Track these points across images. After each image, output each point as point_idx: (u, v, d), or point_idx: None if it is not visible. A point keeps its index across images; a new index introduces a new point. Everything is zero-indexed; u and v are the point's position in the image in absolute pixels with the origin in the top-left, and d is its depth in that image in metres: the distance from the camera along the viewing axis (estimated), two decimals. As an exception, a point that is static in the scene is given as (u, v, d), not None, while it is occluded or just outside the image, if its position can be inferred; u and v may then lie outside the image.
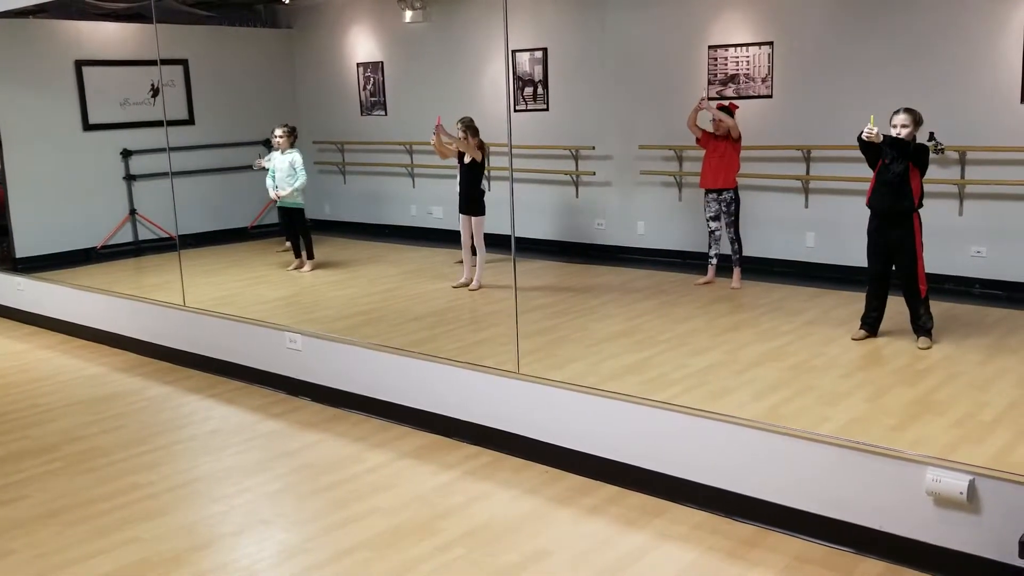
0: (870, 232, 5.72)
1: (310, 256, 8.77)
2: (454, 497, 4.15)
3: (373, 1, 10.74)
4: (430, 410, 4.96)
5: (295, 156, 8.59)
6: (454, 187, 10.71)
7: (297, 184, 8.53)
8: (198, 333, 6.38)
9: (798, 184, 7.86)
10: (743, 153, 7.86)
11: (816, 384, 4.93)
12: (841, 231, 7.56)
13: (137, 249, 10.26)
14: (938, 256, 7.21)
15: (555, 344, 5.97)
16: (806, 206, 7.86)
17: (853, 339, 5.73)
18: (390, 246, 10.12)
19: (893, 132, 5.42)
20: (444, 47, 10.14)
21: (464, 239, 7.82)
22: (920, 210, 5.57)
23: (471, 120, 7.80)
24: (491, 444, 4.65)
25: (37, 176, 9.60)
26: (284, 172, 8.55)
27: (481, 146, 7.79)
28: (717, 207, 7.41)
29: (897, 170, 5.49)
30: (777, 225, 8.00)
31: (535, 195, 9.52)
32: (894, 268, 5.67)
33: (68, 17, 9.73)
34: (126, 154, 10.19)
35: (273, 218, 11.48)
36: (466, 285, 7.68)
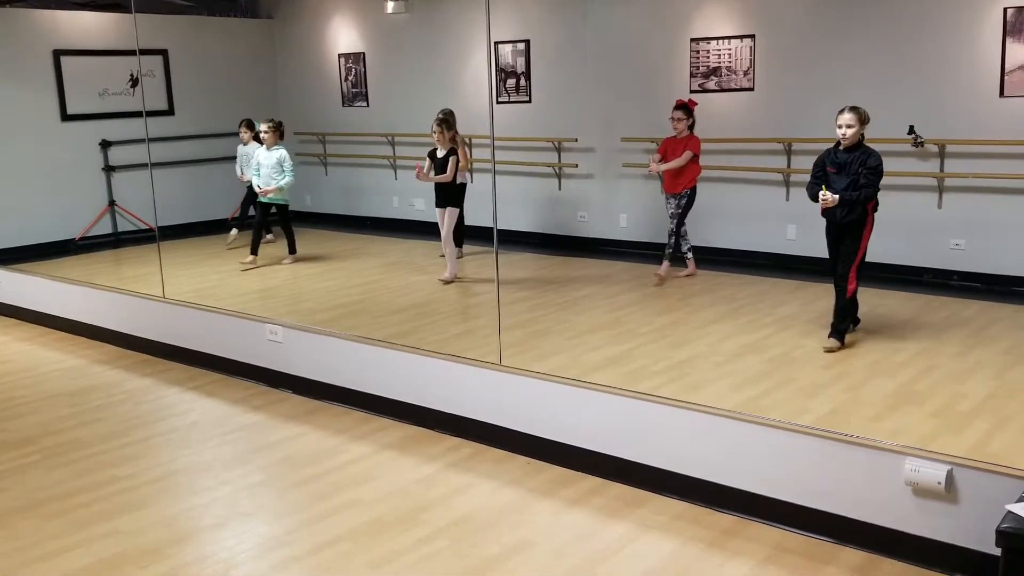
0: (827, 233, 5.65)
1: (292, 251, 8.69)
2: (436, 489, 4.15)
3: (355, -8, 10.68)
4: (412, 402, 4.95)
5: (283, 153, 8.40)
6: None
7: (283, 182, 8.33)
8: (178, 325, 6.34)
9: (779, 177, 7.89)
10: (724, 146, 7.91)
11: (796, 376, 4.95)
12: (821, 224, 7.56)
13: (116, 241, 10.18)
14: (917, 248, 7.28)
15: (537, 336, 5.97)
16: (787, 199, 7.90)
17: (825, 349, 5.42)
18: (372, 238, 10.09)
19: (839, 132, 5.27)
20: (426, 38, 10.10)
21: (444, 233, 7.72)
22: (876, 205, 5.45)
23: (447, 114, 7.73)
24: (473, 436, 4.65)
25: (14, 167, 9.51)
26: (271, 168, 8.35)
27: (455, 139, 7.69)
28: (675, 203, 7.34)
29: (849, 183, 5.31)
30: (758, 218, 8.03)
31: (517, 187, 9.52)
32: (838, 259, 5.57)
33: (46, 6, 9.64)
34: (105, 145, 10.11)
35: (252, 210, 11.44)
36: (453, 280, 7.61)
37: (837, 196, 5.26)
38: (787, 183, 7.87)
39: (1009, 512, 2.85)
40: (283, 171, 8.36)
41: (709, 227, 8.24)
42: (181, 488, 4.28)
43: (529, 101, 9.44)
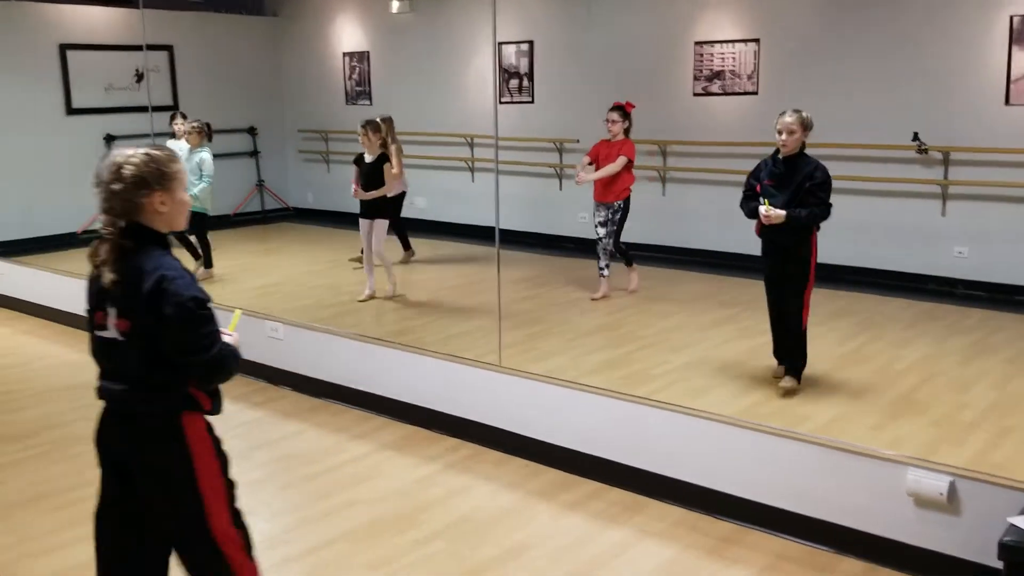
0: (764, 255, 4.92)
1: (207, 264, 7.93)
2: (434, 490, 4.14)
3: (360, -11, 10.68)
4: (411, 401, 4.94)
5: (203, 156, 7.73)
6: (438, 177, 10.67)
7: (195, 190, 7.54)
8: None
9: (783, 182, 7.87)
10: (728, 149, 7.89)
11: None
12: (824, 228, 7.56)
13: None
14: (920, 256, 7.26)
15: (537, 337, 5.97)
16: (790, 204, 7.88)
17: (775, 376, 4.97)
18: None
19: (778, 139, 4.63)
20: (430, 38, 10.10)
21: (367, 245, 7.00)
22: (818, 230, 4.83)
23: (373, 121, 7.08)
24: (472, 437, 4.64)
25: (18, 159, 9.51)
26: (188, 173, 7.81)
27: (385, 144, 7.07)
28: (605, 214, 6.90)
29: (789, 198, 4.64)
30: (761, 222, 8.02)
31: (519, 187, 9.51)
32: (785, 288, 4.85)
33: (52, 0, 9.62)
34: (109, 139, 10.09)
35: (256, 205, 11.45)
36: (372, 297, 6.96)
37: (783, 212, 4.56)
38: (790, 188, 7.85)
39: (1011, 525, 2.84)
40: (200, 175, 7.67)
41: (711, 230, 8.23)
42: (179, 485, 4.27)
43: (532, 102, 9.43)
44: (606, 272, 6.96)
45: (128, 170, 2.32)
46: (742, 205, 4.82)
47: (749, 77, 7.93)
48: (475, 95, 9.74)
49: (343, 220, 11.03)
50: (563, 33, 9.14)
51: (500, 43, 9.42)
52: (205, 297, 2.33)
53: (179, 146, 8.20)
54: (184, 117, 8.21)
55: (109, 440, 2.42)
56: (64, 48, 9.80)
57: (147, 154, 2.36)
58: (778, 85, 7.80)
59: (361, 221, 7.01)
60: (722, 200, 8.11)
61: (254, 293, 7.30)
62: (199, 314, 2.30)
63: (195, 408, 2.38)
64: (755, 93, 7.91)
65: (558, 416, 4.32)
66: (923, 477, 3.29)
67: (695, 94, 8.22)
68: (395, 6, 10.10)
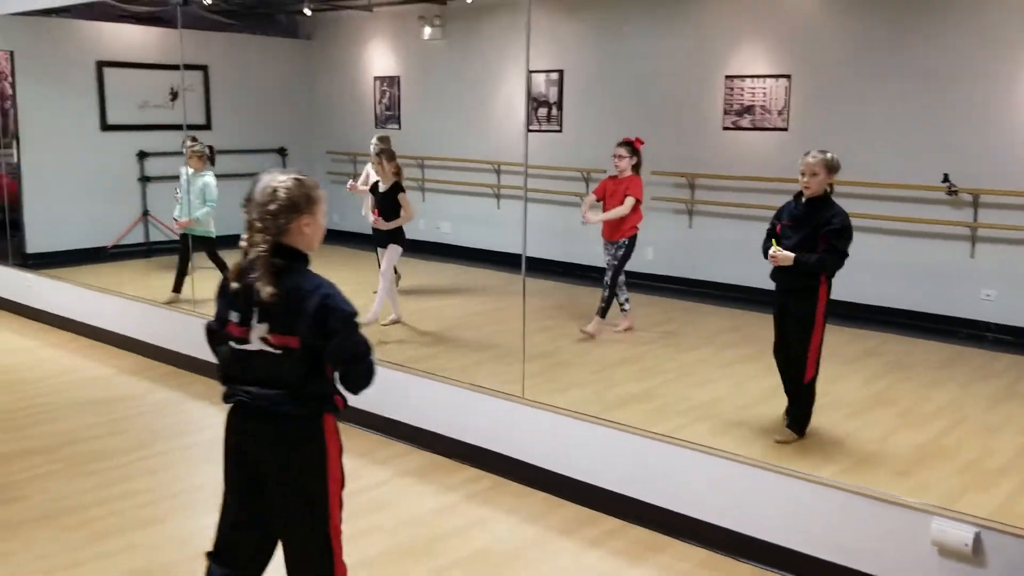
0: (775, 299, 4.79)
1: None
2: (454, 520, 4.13)
3: (393, 16, 10.80)
4: (433, 429, 4.94)
5: (207, 180, 7.67)
6: (463, 202, 10.73)
7: (199, 213, 7.59)
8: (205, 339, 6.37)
9: (810, 218, 7.84)
10: (756, 184, 7.88)
11: (821, 424, 4.90)
12: (851, 266, 7.51)
13: (148, 250, 10.28)
14: (948, 298, 7.20)
15: (560, 368, 5.96)
16: (817, 241, 7.85)
17: (777, 441, 4.67)
18: (400, 260, 10.11)
19: (801, 180, 4.50)
20: (461, 65, 10.18)
21: (384, 267, 6.95)
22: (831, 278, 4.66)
23: (386, 142, 7.16)
24: (493, 468, 4.63)
25: (52, 173, 9.65)
26: (194, 196, 7.62)
27: (399, 171, 6.98)
28: (612, 251, 6.73)
29: (800, 241, 4.52)
30: (787, 258, 7.99)
31: (545, 215, 9.52)
32: (790, 338, 4.70)
33: (91, 18, 9.80)
34: (142, 155, 10.24)
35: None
36: (396, 322, 6.96)
37: (791, 254, 4.46)
38: (818, 225, 7.82)
39: (1038, 580, 2.79)
40: (204, 200, 7.65)
41: (738, 265, 8.20)
42: (199, 505, 4.29)
43: (560, 131, 9.47)
44: (627, 306, 6.91)
45: (282, 194, 2.51)
46: (763, 246, 4.74)
47: (779, 113, 7.93)
48: (503, 122, 9.80)
49: (369, 242, 11.08)
50: (593, 63, 9.18)
51: (530, 71, 9.47)
52: (356, 310, 2.55)
53: (183, 170, 8.25)
54: (195, 140, 8.03)
55: (244, 442, 2.60)
56: (101, 65, 9.97)
57: (297, 179, 2.55)
58: (808, 121, 7.79)
59: (378, 249, 7.07)
60: (749, 235, 8.06)
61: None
62: (356, 324, 2.54)
63: (333, 409, 2.61)
64: (785, 129, 7.91)
65: (580, 450, 4.30)
66: (948, 527, 3.24)
67: (724, 128, 8.23)
68: (427, 32, 10.20)
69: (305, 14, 10.82)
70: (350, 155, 11.38)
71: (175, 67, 9.12)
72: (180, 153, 7.74)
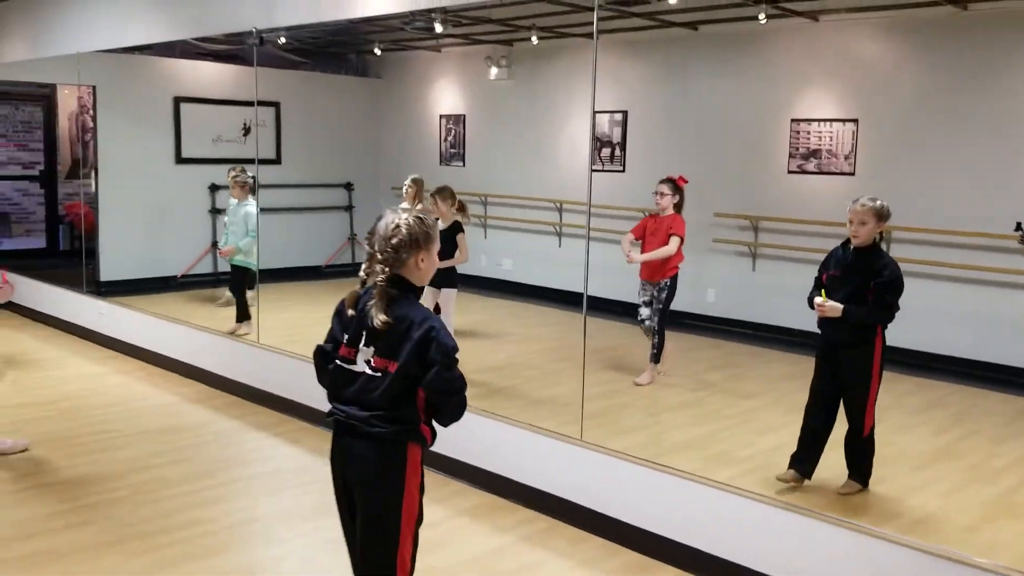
0: (818, 348, 4.62)
1: (240, 318, 7.71)
2: (508, 562, 4.12)
3: (460, 56, 10.98)
4: (489, 469, 4.95)
5: (248, 210, 7.66)
6: (525, 239, 10.78)
7: (241, 243, 7.64)
8: (268, 370, 6.50)
9: (877, 264, 7.72)
10: (821, 229, 7.77)
11: (886, 476, 4.79)
12: (916, 315, 7.35)
13: (216, 280, 10.52)
14: (1018, 349, 6.99)
15: (618, 410, 5.93)
16: (884, 287, 7.71)
17: (778, 479, 4.55)
18: (459, 295, 10.19)
19: (849, 228, 4.38)
20: (526, 104, 10.29)
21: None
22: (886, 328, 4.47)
23: (445, 187, 6.80)
24: (549, 510, 4.61)
25: (128, 203, 9.97)
26: (236, 226, 7.74)
27: (463, 209, 6.83)
28: (651, 292, 6.55)
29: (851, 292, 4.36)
30: (852, 304, 7.86)
31: (605, 254, 9.51)
32: (841, 395, 4.52)
33: (170, 55, 10.15)
34: (213, 188, 10.52)
35: (347, 258, 11.72)
36: None
37: (839, 305, 4.31)
38: (884, 271, 7.69)
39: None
40: (247, 231, 7.64)
41: (801, 309, 8.07)
42: (259, 536, 4.35)
43: (623, 171, 9.49)
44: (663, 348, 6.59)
45: (403, 230, 2.71)
46: (809, 298, 4.57)
47: (846, 157, 7.85)
48: (566, 161, 9.86)
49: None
50: (658, 104, 9.21)
51: (595, 112, 9.53)
52: (457, 347, 2.72)
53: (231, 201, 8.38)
54: (242, 170, 8.05)
55: (337, 458, 2.82)
56: (178, 100, 10.30)
57: (418, 218, 2.75)
58: (876, 167, 7.69)
59: (428, 288, 6.94)
60: (812, 280, 7.99)
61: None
62: (455, 360, 2.71)
63: (419, 440, 2.76)
64: (852, 174, 7.82)
65: (638, 496, 4.27)
66: (1020, 590, 3.14)
67: (790, 171, 8.17)
68: (493, 72, 10.36)
69: (375, 54, 11.07)
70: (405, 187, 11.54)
71: (249, 103, 9.38)
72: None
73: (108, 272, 9.78)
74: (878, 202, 4.34)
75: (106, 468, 5.15)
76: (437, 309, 6.60)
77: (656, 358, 6.57)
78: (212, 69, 10.58)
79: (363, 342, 2.73)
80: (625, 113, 9.42)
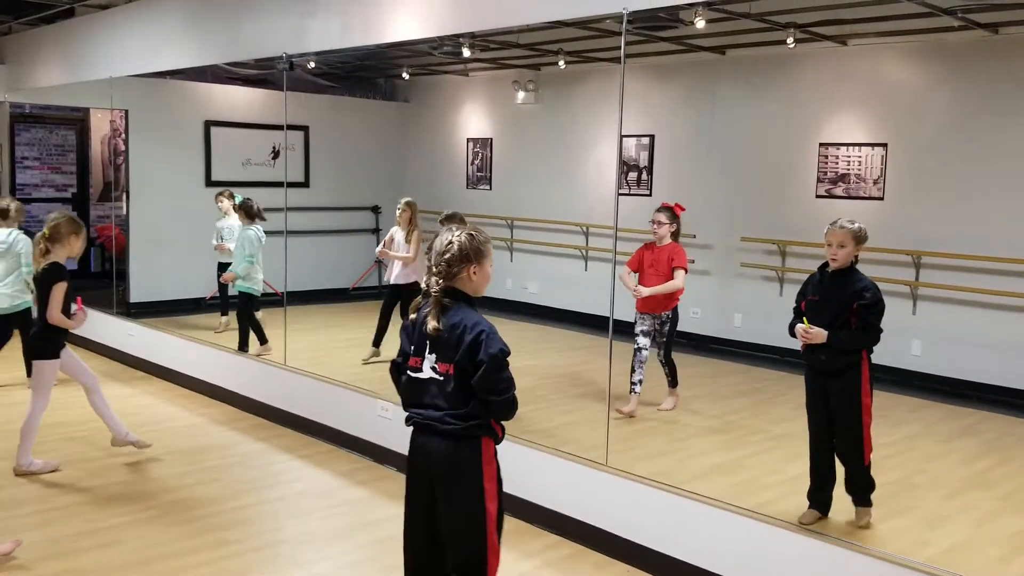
0: (806, 379, 4.49)
1: (240, 346, 7.65)
2: (533, 587, 4.09)
3: (487, 81, 11.05)
4: (513, 493, 4.91)
5: (248, 234, 7.74)
6: (551, 263, 10.76)
7: (239, 269, 7.66)
8: (295, 392, 6.53)
9: (906, 290, 7.65)
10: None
11: (916, 504, 4.74)
12: (950, 341, 7.32)
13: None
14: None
15: (643, 434, 5.90)
16: (914, 313, 7.64)
17: (801, 522, 4.32)
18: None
19: (827, 251, 4.31)
20: (552, 128, 10.34)
21: None
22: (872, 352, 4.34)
23: (455, 213, 6.90)
24: (574, 535, 4.58)
25: (158, 225, 10.08)
26: (238, 251, 7.81)
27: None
28: (651, 324, 6.38)
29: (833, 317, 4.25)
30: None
31: (632, 278, 9.51)
32: (833, 427, 4.39)
33: (201, 79, 10.30)
34: (243, 211, 10.62)
35: (374, 280, 11.79)
36: None
37: (825, 332, 4.19)
38: (914, 297, 7.62)
39: None
40: (244, 254, 7.68)
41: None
42: (284, 559, 4.36)
43: (650, 195, 9.48)
44: (638, 388, 6.32)
45: (455, 246, 2.98)
46: (790, 326, 4.41)
47: (875, 182, 7.80)
48: (593, 186, 9.87)
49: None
50: (685, 128, 9.22)
51: (621, 135, 9.55)
52: (509, 351, 2.94)
53: (229, 223, 8.53)
54: (232, 196, 8.24)
55: (421, 455, 3.02)
56: (209, 124, 10.45)
57: (470, 235, 3.02)
58: (905, 191, 7.65)
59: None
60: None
61: (366, 368, 7.46)
62: (504, 363, 2.93)
63: (491, 435, 3.01)
64: (880, 199, 7.77)
65: (663, 522, 4.24)
66: (1055, 624, 3.07)
67: (817, 196, 8.13)
68: (520, 96, 10.41)
69: (403, 78, 11.18)
70: (440, 214, 11.59)
71: (278, 127, 9.50)
72: (280, 209, 8.00)
73: (138, 294, 9.89)
74: (856, 224, 4.31)
75: (134, 489, 5.18)
76: None
77: (673, 382, 6.52)
78: (242, 93, 10.72)
79: (427, 350, 2.98)
80: (652, 137, 9.44)
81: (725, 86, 8.86)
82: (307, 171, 11.12)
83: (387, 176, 11.83)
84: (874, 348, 4.30)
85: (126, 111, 9.95)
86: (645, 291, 6.18)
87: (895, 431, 6.10)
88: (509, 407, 2.95)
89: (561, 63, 9.33)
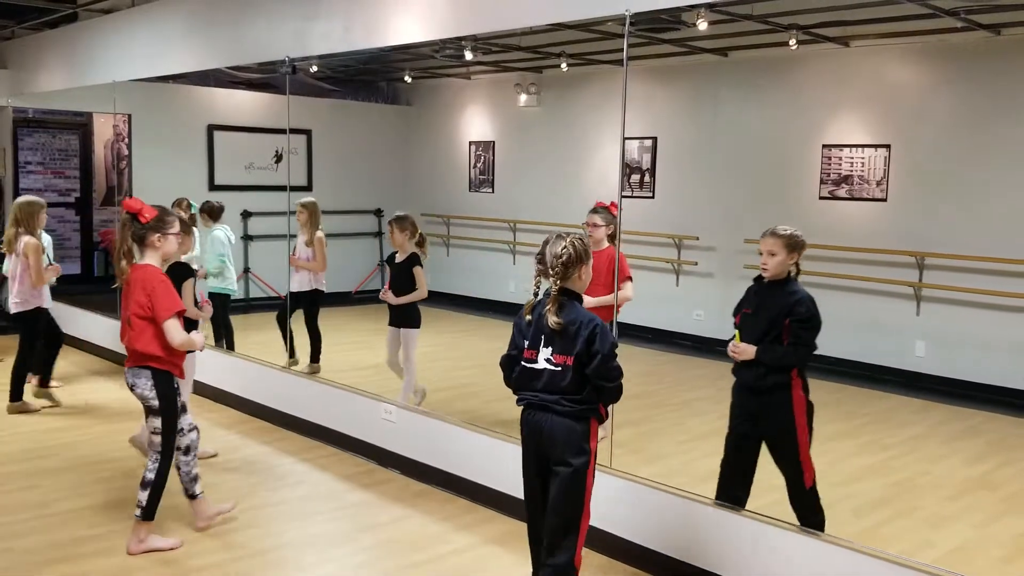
0: (732, 394, 4.14)
1: (231, 346, 7.68)
2: (537, 590, 4.08)
3: (490, 84, 11.07)
4: (518, 496, 4.91)
5: (218, 233, 7.65)
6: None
7: (210, 267, 7.54)
8: (298, 396, 6.53)
9: (909, 291, 7.64)
10: (853, 255, 7.73)
11: (920, 505, 4.73)
12: (954, 342, 7.31)
13: (247, 306, 10.60)
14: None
15: (648, 437, 5.89)
16: (917, 314, 7.63)
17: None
18: (487, 320, 10.21)
19: (760, 260, 4.06)
20: (555, 131, 10.34)
21: (390, 357, 6.36)
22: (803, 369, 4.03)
23: (403, 216, 6.37)
24: (577, 537, 4.57)
25: (161, 230, 10.08)
26: (207, 252, 7.64)
27: (422, 242, 6.36)
28: None
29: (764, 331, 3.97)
30: (885, 331, 7.78)
31: (636, 281, 9.49)
32: (769, 449, 4.05)
33: (204, 84, 10.32)
34: (246, 215, 10.64)
35: (377, 284, 11.78)
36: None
37: (752, 348, 3.91)
38: (918, 298, 7.61)
39: None
40: (215, 254, 7.62)
41: (831, 336, 7.99)
42: (288, 562, 4.35)
43: (652, 197, 9.49)
44: None
45: (569, 250, 3.42)
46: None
47: (878, 183, 7.79)
48: (596, 188, 9.85)
49: (460, 303, 11.25)
50: (688, 130, 9.22)
51: (624, 138, 9.55)
52: (617, 344, 3.40)
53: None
54: (189, 206, 7.62)
55: (536, 430, 3.43)
56: (212, 128, 10.46)
57: (579, 239, 3.48)
58: (908, 192, 7.64)
59: (389, 330, 6.33)
60: (845, 306, 7.93)
61: (369, 371, 7.45)
62: (615, 354, 3.37)
63: (598, 416, 3.44)
64: (884, 200, 7.76)
65: (666, 524, 4.23)
66: (1060, 625, 3.06)
67: (821, 197, 8.13)
68: (522, 99, 10.42)
69: (406, 82, 11.18)
70: (443, 217, 11.62)
71: (281, 131, 9.49)
72: (283, 213, 7.99)
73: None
74: (789, 231, 4.01)
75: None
76: (396, 351, 6.30)
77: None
78: (245, 97, 10.73)
79: (542, 344, 3.39)
80: (655, 139, 9.43)
81: (727, 88, 8.86)
82: (310, 175, 11.13)
83: (390, 180, 11.84)
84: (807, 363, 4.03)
85: (129, 115, 9.97)
86: (590, 301, 5.28)
87: (898, 432, 6.10)
88: (618, 393, 3.40)
89: (563, 66, 9.33)
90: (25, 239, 6.55)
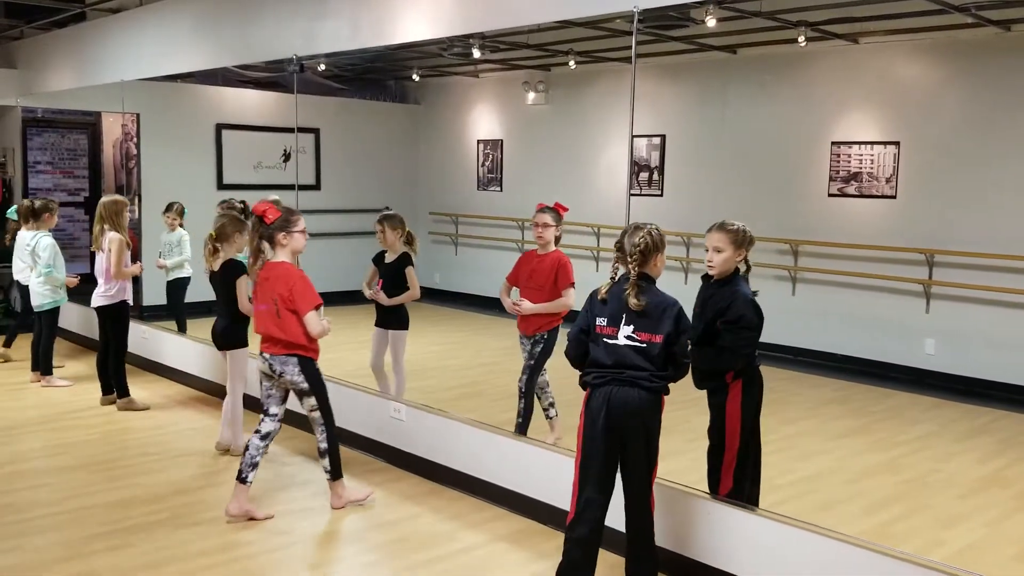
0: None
1: (182, 328, 8.13)
2: (546, 588, 4.08)
3: (498, 82, 11.06)
4: (528, 494, 4.92)
5: (182, 232, 8.44)
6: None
7: (170, 262, 8.43)
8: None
9: (919, 288, 7.61)
10: (862, 252, 7.70)
11: (931, 503, 4.71)
12: (964, 340, 7.28)
13: (254, 305, 10.62)
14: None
15: (657, 435, 5.86)
16: (927, 311, 7.60)
17: None
18: (495, 319, 10.19)
19: (707, 256, 3.93)
20: (563, 129, 10.33)
21: (375, 359, 6.20)
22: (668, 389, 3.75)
23: (392, 215, 6.26)
24: (587, 535, 4.55)
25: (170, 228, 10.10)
26: (174, 252, 8.47)
27: (412, 240, 6.22)
28: (528, 347, 5.55)
29: (701, 332, 3.91)
30: (895, 329, 7.75)
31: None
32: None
33: (212, 83, 10.33)
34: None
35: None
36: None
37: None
38: (927, 295, 7.58)
39: None
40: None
41: (842, 334, 7.99)
42: (296, 560, 4.35)
43: (661, 195, 9.47)
44: (552, 412, 5.71)
45: (648, 238, 3.69)
46: None
47: (887, 180, 7.76)
48: (604, 186, 9.85)
49: (468, 302, 11.25)
50: (696, 127, 9.19)
51: (632, 135, 9.54)
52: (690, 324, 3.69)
53: (168, 238, 8.66)
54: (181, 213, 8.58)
55: (606, 403, 3.64)
56: (220, 127, 10.48)
57: (656, 229, 3.76)
58: (918, 189, 7.61)
59: (376, 331, 6.22)
60: (854, 303, 7.91)
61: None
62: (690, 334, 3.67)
63: (667, 391, 3.69)
64: (893, 197, 7.73)
65: (676, 522, 4.22)
66: (1074, 624, 3.04)
67: (830, 194, 8.10)
68: (531, 97, 10.41)
69: (414, 80, 11.19)
70: (451, 216, 11.61)
71: (289, 130, 9.52)
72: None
73: (151, 296, 9.91)
74: (736, 225, 3.90)
75: (147, 491, 5.19)
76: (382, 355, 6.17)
77: (523, 428, 5.39)
78: (253, 96, 10.75)
79: (622, 322, 3.63)
80: (663, 137, 9.42)
81: (736, 85, 8.83)
82: (318, 174, 11.14)
83: (398, 178, 11.85)
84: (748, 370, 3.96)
85: (137, 115, 9.98)
86: (528, 307, 5.34)
87: (908, 430, 6.08)
88: (687, 368, 3.69)
89: (571, 63, 9.32)
90: (110, 235, 6.69)
